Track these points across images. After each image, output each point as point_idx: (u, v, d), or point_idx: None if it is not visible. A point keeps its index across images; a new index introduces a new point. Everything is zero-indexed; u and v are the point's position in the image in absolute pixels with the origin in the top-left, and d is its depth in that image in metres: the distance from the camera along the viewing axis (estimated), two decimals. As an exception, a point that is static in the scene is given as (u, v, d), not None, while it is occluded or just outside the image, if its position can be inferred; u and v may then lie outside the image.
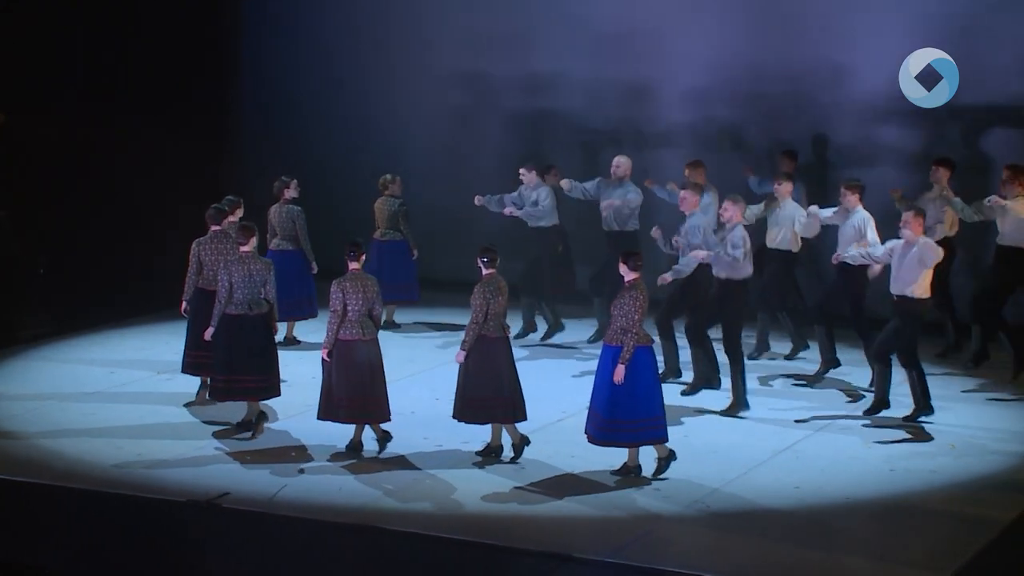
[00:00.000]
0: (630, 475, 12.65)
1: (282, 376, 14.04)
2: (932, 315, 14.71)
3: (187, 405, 14.46)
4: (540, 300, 16.78)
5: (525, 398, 13.04)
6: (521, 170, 16.67)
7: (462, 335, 12.96)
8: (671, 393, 14.68)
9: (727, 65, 18.26)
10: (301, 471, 12.81)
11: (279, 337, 16.14)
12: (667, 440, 12.68)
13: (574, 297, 17.03)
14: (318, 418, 13.19)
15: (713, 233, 14.59)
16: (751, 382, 14.90)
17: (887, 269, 14.29)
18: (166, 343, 16.06)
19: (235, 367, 13.51)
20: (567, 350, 16.52)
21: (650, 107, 18.74)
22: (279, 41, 20.29)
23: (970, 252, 16.86)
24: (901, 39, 17.08)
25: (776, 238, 15.63)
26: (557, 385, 15.21)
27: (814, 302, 15.47)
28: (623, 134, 18.71)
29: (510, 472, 12.82)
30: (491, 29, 19.23)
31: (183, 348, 14.41)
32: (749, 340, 15.56)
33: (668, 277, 14.53)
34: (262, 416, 13.78)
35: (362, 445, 13.22)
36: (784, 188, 15.56)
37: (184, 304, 14.28)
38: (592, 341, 16.47)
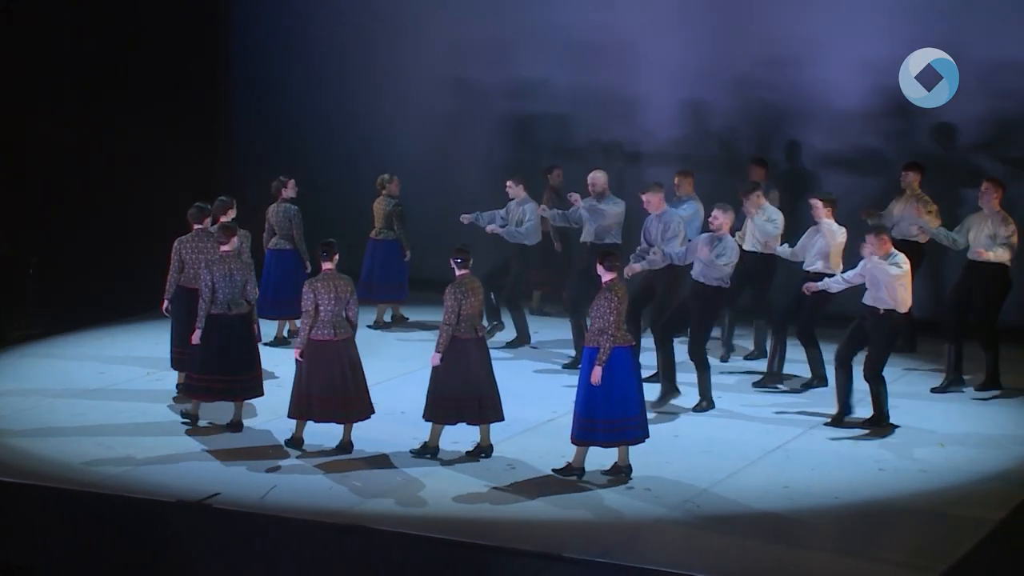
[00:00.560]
0: (620, 475, 12.66)
1: (275, 374, 14.05)
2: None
3: (175, 399, 14.54)
4: (517, 310, 16.75)
5: (520, 397, 13.03)
6: (508, 183, 16.66)
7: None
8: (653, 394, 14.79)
9: (709, 73, 18.40)
10: (276, 468, 12.82)
11: (272, 336, 16.20)
12: (645, 440, 12.67)
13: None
14: (288, 416, 13.26)
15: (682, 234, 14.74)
16: (742, 381, 14.91)
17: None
18: (156, 343, 16.04)
19: (210, 366, 13.54)
20: (563, 350, 16.48)
21: (634, 116, 18.81)
22: (271, 42, 20.33)
23: (938, 258, 16.93)
24: (873, 44, 17.37)
25: (753, 243, 15.60)
26: (549, 385, 15.24)
27: (798, 324, 15.19)
28: (608, 142, 18.77)
29: (500, 472, 12.83)
30: (480, 36, 19.30)
31: (169, 344, 14.56)
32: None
33: (636, 267, 14.62)
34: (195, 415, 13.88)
35: (352, 444, 13.24)
36: (753, 200, 15.41)
37: (166, 303, 14.40)
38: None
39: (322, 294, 13.02)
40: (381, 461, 13.09)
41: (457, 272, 12.99)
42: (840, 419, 14.13)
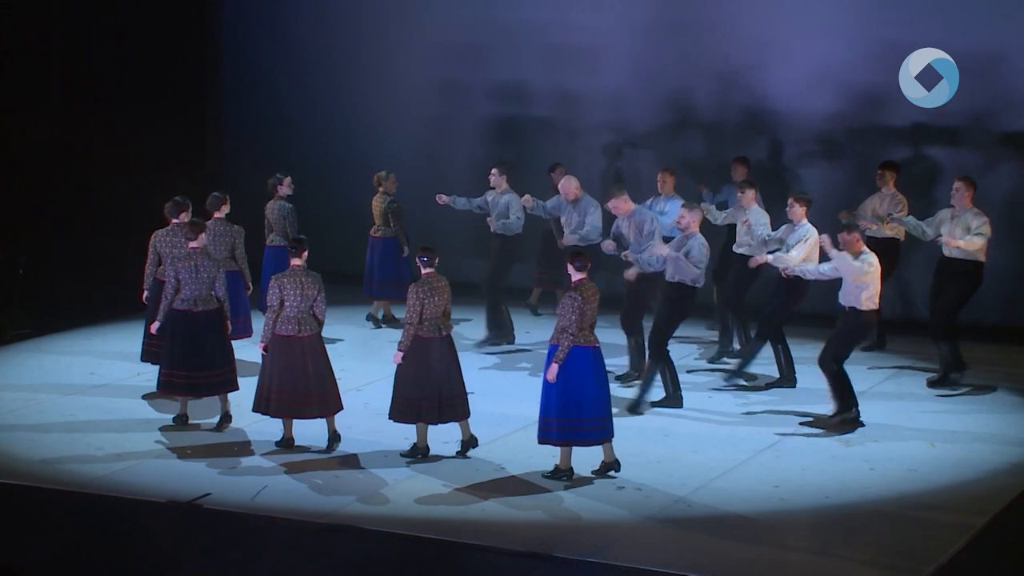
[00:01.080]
0: (607, 471, 12.66)
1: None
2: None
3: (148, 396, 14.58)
4: (498, 305, 16.76)
5: (512, 397, 13.03)
6: (493, 170, 16.69)
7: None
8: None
9: (693, 75, 18.49)
10: (234, 464, 12.88)
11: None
12: (601, 443, 12.63)
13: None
14: (252, 410, 13.33)
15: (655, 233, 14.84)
16: (727, 381, 15.03)
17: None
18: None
19: (173, 361, 13.62)
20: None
21: (620, 114, 18.89)
22: (260, 42, 20.41)
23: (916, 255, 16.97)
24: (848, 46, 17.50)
25: (742, 244, 15.65)
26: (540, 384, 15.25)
27: (768, 323, 15.32)
28: (594, 140, 18.82)
29: (491, 472, 12.84)
30: (467, 38, 19.39)
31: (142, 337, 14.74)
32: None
33: (633, 273, 14.80)
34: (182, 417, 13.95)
35: (293, 440, 13.31)
36: (748, 196, 15.55)
37: (145, 293, 14.61)
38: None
39: (288, 289, 13.08)
40: (372, 461, 13.09)
41: (423, 271, 13.02)
42: (840, 416, 14.16)
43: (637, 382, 15.14)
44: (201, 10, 20.57)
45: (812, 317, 15.84)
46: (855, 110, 17.93)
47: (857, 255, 13.87)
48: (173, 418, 13.97)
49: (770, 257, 14.89)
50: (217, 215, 15.42)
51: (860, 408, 14.17)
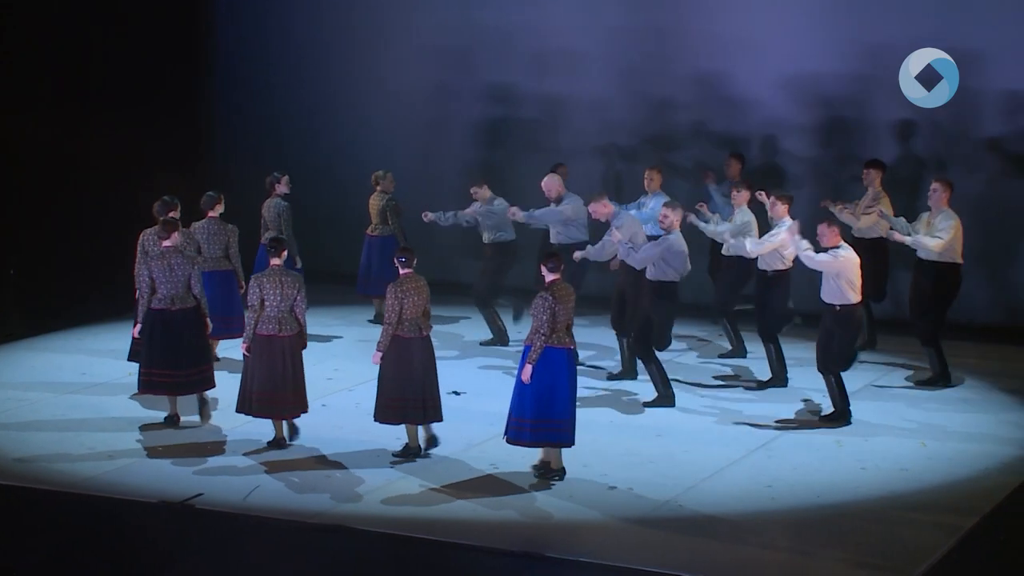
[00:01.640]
0: (553, 476, 12.64)
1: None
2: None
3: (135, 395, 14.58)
4: (490, 309, 16.77)
5: (503, 397, 12.99)
6: (472, 189, 16.70)
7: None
8: (641, 394, 14.81)
9: (681, 76, 18.51)
10: (225, 464, 12.87)
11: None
12: (570, 445, 12.61)
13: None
14: (236, 411, 13.35)
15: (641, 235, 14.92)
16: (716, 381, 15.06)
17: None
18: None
19: (155, 361, 13.66)
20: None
21: (608, 116, 18.88)
22: (253, 44, 20.43)
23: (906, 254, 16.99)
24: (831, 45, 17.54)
25: (732, 247, 15.66)
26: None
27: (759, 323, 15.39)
28: (583, 144, 18.84)
29: (483, 472, 12.85)
30: (457, 41, 19.40)
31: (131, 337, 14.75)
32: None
33: (617, 262, 14.99)
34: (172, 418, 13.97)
35: (286, 440, 13.35)
36: (742, 196, 15.60)
37: (137, 292, 14.55)
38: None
39: (268, 289, 13.11)
40: (363, 461, 13.09)
41: (401, 271, 13.04)
42: (835, 419, 14.18)
43: (630, 381, 15.19)
44: (195, 12, 20.55)
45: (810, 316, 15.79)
46: (840, 108, 17.91)
47: (835, 248, 13.93)
48: (164, 418, 13.97)
49: (732, 240, 15.11)
50: (211, 214, 15.46)
51: (852, 408, 14.21)
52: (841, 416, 14.12)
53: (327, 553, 11.42)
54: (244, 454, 13.24)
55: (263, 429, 13.47)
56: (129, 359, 14.91)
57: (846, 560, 11.25)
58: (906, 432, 14.00)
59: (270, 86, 20.33)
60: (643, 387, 15.00)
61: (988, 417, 14.53)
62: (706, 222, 16.04)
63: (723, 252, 15.82)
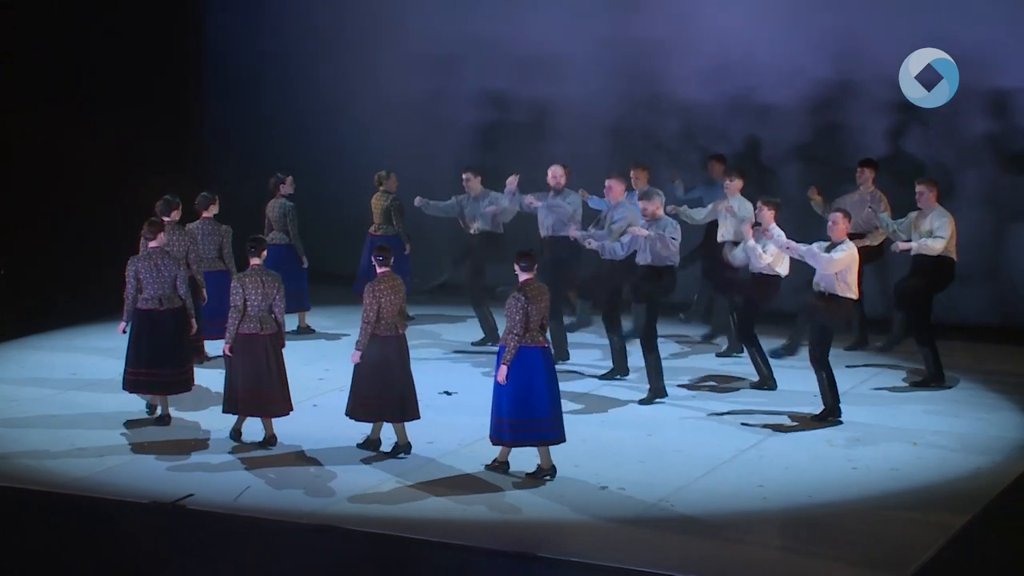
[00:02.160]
0: (543, 477, 12.64)
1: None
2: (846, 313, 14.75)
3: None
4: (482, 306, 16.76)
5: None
6: (466, 175, 16.68)
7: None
8: (632, 393, 14.82)
9: (672, 76, 18.57)
10: (216, 464, 12.84)
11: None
12: (554, 443, 12.62)
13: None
14: (223, 411, 13.38)
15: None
16: (716, 379, 15.03)
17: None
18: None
19: (141, 360, 13.71)
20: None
21: (599, 117, 18.94)
22: (245, 44, 20.48)
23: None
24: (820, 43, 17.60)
25: (728, 233, 15.68)
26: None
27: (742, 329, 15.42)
28: (575, 145, 18.87)
29: (474, 472, 12.85)
30: (450, 43, 19.44)
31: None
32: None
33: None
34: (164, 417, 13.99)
35: (276, 438, 13.33)
36: (735, 185, 15.66)
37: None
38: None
39: (250, 289, 13.16)
40: (355, 461, 13.09)
41: (378, 270, 13.05)
42: (826, 416, 14.19)
43: (620, 380, 15.21)
44: (187, 14, 20.57)
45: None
46: (830, 108, 17.92)
47: (835, 245, 13.99)
48: (156, 418, 13.96)
49: (737, 250, 15.03)
50: (205, 215, 15.51)
51: (843, 407, 14.24)
52: (831, 412, 14.13)
53: (319, 553, 11.42)
54: (231, 452, 13.23)
55: (251, 429, 13.47)
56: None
57: (837, 559, 11.26)
58: (897, 432, 14.01)
59: (263, 89, 20.40)
60: (634, 386, 15.01)
61: (979, 417, 14.54)
62: (683, 194, 16.36)
63: (718, 240, 15.79)
